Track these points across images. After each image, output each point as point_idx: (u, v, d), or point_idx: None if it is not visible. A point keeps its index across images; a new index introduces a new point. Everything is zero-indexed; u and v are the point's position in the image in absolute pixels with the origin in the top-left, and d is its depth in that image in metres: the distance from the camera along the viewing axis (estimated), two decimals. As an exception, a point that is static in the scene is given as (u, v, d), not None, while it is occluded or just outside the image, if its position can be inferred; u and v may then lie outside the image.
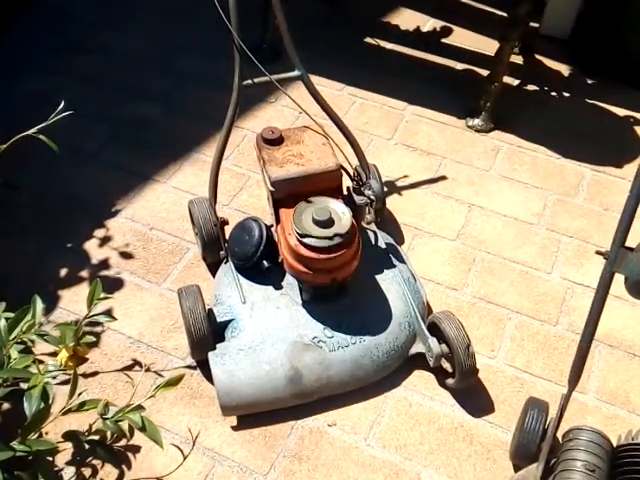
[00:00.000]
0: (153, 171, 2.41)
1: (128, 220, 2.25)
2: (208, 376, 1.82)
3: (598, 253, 1.45)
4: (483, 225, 2.27)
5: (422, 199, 2.35)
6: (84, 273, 2.09)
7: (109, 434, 1.55)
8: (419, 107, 2.68)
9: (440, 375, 1.86)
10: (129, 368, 1.87)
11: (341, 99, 2.72)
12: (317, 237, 1.68)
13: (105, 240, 2.18)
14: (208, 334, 1.78)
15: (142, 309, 2.01)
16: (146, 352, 1.91)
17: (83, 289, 2.05)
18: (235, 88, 1.88)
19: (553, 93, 2.77)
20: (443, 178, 2.42)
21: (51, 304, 1.99)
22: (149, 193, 2.34)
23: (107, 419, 1.33)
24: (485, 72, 2.69)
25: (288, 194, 1.80)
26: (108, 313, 1.39)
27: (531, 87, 2.80)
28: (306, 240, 1.69)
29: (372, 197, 1.89)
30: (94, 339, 1.57)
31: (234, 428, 1.76)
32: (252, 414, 1.77)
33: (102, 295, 1.45)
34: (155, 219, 2.26)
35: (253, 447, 1.73)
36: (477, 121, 2.59)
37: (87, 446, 1.40)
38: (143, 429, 1.32)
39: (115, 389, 1.82)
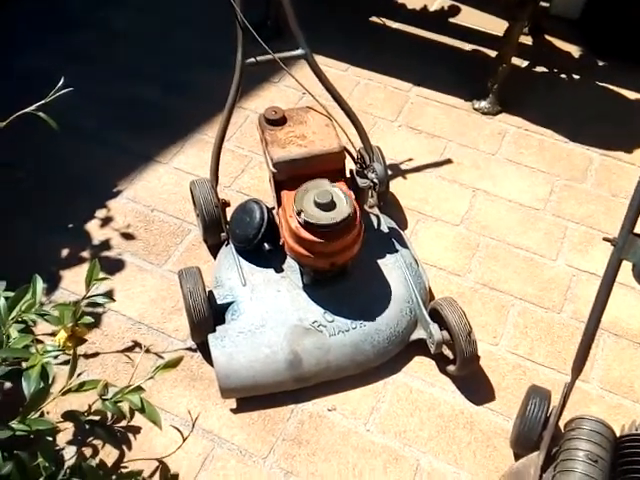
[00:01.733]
0: (154, 152, 2.38)
1: (129, 201, 2.23)
2: (208, 358, 1.81)
3: (606, 240, 1.42)
4: (488, 210, 2.24)
5: (426, 183, 2.32)
6: (85, 254, 2.07)
7: (109, 415, 1.54)
8: (425, 89, 2.64)
9: (441, 362, 1.84)
10: (129, 349, 1.86)
11: (345, 79, 2.67)
12: (318, 220, 1.66)
13: (106, 221, 2.17)
14: (208, 316, 1.76)
15: (143, 290, 2.00)
16: (147, 334, 1.90)
17: (84, 270, 1.98)
18: (237, 67, 1.84)
19: (562, 75, 2.72)
20: (448, 162, 2.38)
21: (52, 284, 1.98)
22: (150, 174, 2.32)
23: (106, 400, 1.32)
24: (493, 53, 2.64)
25: (290, 176, 1.77)
26: (107, 294, 1.38)
27: (540, 69, 2.75)
28: (307, 223, 1.66)
29: (375, 180, 1.86)
30: (92, 320, 1.56)
31: (233, 411, 1.76)
32: (252, 397, 1.76)
33: (101, 276, 1.43)
34: (157, 200, 2.24)
35: (252, 430, 1.72)
36: (484, 103, 2.55)
37: (87, 426, 1.39)
38: (142, 410, 1.32)
39: (115, 370, 1.82)
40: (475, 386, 1.81)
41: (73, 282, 2.00)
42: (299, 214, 1.66)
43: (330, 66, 2.68)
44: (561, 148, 2.44)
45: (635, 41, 2.70)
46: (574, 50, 2.84)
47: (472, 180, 2.32)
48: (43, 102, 1.52)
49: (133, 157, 2.36)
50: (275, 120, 1.82)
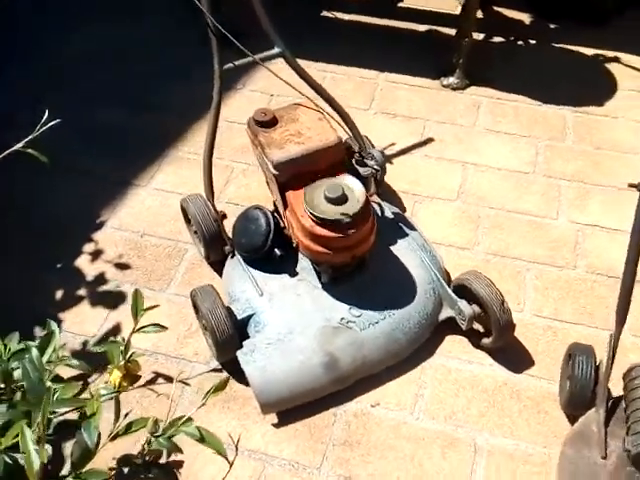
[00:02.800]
0: (132, 175, 2.28)
1: (116, 230, 2.12)
2: (237, 377, 1.73)
3: (631, 186, 1.42)
4: (480, 181, 2.23)
5: (414, 164, 2.29)
6: (81, 292, 1.95)
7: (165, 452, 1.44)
8: (391, 74, 2.62)
9: (473, 337, 1.82)
10: (152, 382, 1.76)
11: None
12: (333, 215, 1.61)
13: (96, 254, 2.05)
14: (233, 333, 1.68)
15: (149, 319, 1.89)
16: (165, 362, 1.80)
17: (83, 309, 1.92)
18: (216, 74, 1.78)
19: (519, 42, 2.76)
20: (430, 140, 2.37)
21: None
22: (132, 199, 2.21)
23: (159, 436, 1.23)
24: (449, 30, 2.66)
25: (292, 175, 1.71)
26: (157, 324, 1.27)
27: (497, 39, 2.78)
28: (322, 219, 1.61)
29: (376, 167, 1.83)
30: (144, 354, 1.45)
31: (276, 425, 1.68)
32: (291, 408, 1.69)
33: (145, 305, 1.31)
34: (144, 224, 2.13)
35: (300, 441, 1.65)
36: (452, 79, 2.55)
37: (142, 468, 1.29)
38: (202, 440, 1.23)
39: (142, 406, 1.71)
40: (511, 355, 1.79)
41: (75, 323, 1.88)
42: (316, 217, 1.59)
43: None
44: (535, 111, 2.47)
45: (579, 0, 2.77)
46: (524, 17, 2.89)
47: (458, 154, 2.32)
48: (31, 137, 1.40)
49: (111, 184, 2.24)
50: (266, 121, 1.75)
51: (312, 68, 2.65)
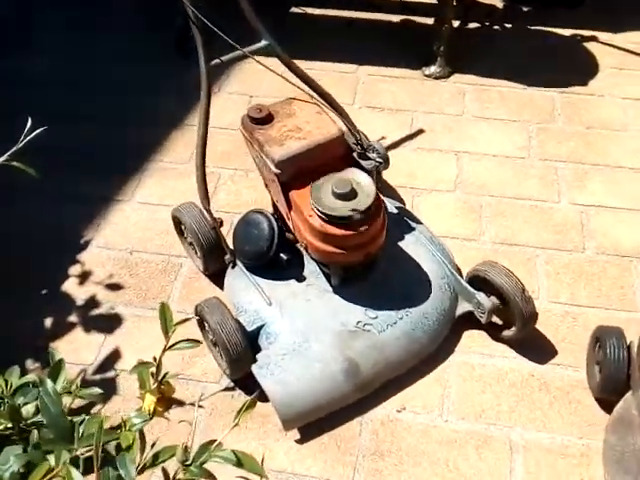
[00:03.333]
0: (113, 191, 2.14)
1: (102, 249, 1.98)
2: (251, 394, 1.61)
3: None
4: (476, 170, 2.17)
5: (407, 157, 2.22)
6: (73, 318, 1.81)
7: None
8: (371, 66, 2.55)
9: (491, 330, 1.75)
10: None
11: (287, 74, 2.51)
12: (344, 211, 1.52)
13: (84, 276, 1.91)
14: (246, 347, 1.57)
15: (152, 341, 1.76)
16: (174, 385, 1.67)
17: (77, 336, 1.78)
18: (203, 72, 1.68)
19: (496, 27, 2.72)
20: (420, 132, 2.30)
21: (46, 360, 1.71)
22: (116, 215, 2.08)
23: (190, 464, 1.11)
24: (423, 19, 2.61)
25: (295, 173, 1.62)
26: (190, 339, 1.14)
27: (472, 25, 2.73)
28: (333, 217, 1.52)
29: (378, 159, 1.75)
30: (176, 374, 1.33)
31: (299, 441, 1.58)
32: (313, 422, 1.58)
33: (176, 319, 1.16)
34: (132, 241, 2.00)
35: (327, 456, 1.55)
36: (434, 68, 2.49)
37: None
38: (240, 464, 1.11)
39: (153, 435, 1.58)
40: (533, 346, 1.73)
41: (70, 352, 1.73)
42: (326, 215, 1.51)
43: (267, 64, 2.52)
44: (521, 95, 2.42)
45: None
46: (496, 2, 2.85)
47: (450, 144, 2.25)
48: (15, 148, 1.27)
49: (92, 202, 2.10)
50: (262, 118, 1.65)
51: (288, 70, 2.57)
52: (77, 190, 2.14)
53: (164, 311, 1.07)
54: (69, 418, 1.02)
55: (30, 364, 1.70)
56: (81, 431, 0.98)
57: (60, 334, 1.77)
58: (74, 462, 0.97)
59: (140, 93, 2.49)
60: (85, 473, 1.04)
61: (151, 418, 1.05)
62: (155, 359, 1.07)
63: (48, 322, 1.80)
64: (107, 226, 2.04)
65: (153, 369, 1.08)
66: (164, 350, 1.07)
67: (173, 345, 1.08)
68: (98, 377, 1.69)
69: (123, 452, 0.97)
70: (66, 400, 1.20)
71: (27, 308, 1.82)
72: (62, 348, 1.74)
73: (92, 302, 1.85)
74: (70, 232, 2.02)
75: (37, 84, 2.54)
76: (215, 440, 1.22)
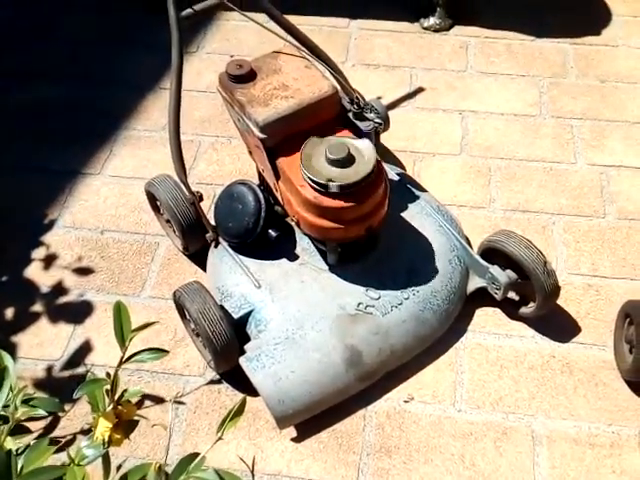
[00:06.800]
0: (81, 163, 1.93)
1: (69, 229, 1.78)
2: (240, 387, 1.44)
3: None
4: (483, 130, 1.97)
5: (407, 118, 2.01)
6: (37, 307, 1.62)
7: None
8: (364, 20, 2.32)
9: (506, 307, 1.57)
10: (139, 407, 1.45)
11: (271, 25, 2.30)
12: (341, 180, 1.32)
13: (49, 260, 1.71)
14: (232, 337, 1.38)
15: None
16: (152, 380, 1.49)
17: (42, 328, 1.59)
18: (173, 24, 1.47)
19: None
20: (420, 90, 2.09)
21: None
22: (85, 190, 1.87)
23: (166, 488, 0.93)
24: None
25: (283, 137, 1.41)
26: (157, 349, 0.93)
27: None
28: (328, 187, 1.32)
29: (377, 120, 1.54)
30: (139, 389, 1.14)
31: (296, 439, 1.40)
32: (310, 418, 1.41)
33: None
34: (103, 219, 1.80)
35: (328, 455, 1.38)
36: (433, 20, 2.27)
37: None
38: (221, 485, 0.93)
39: (133, 442, 1.40)
40: (553, 323, 1.55)
41: (34, 347, 1.55)
42: (320, 185, 1.31)
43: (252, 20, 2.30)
44: (530, 47, 2.21)
45: None
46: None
47: (454, 103, 2.05)
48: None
49: (56, 176, 1.89)
50: (243, 75, 1.44)
51: (271, 23, 2.34)
52: (39, 161, 1.93)
53: (119, 314, 0.86)
54: (6, 448, 0.83)
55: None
56: (20, 466, 0.79)
57: (23, 326, 1.57)
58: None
59: (113, 47, 2.26)
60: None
61: (106, 448, 0.85)
62: (109, 375, 0.87)
63: (9, 313, 1.60)
64: (75, 203, 1.83)
65: (107, 386, 0.87)
66: (119, 364, 0.87)
67: (132, 356, 0.88)
68: (67, 374, 1.50)
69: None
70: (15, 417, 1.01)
71: (-16, 298, 1.63)
72: (25, 342, 1.55)
73: (59, 289, 1.65)
74: (32, 211, 1.81)
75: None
76: (197, 454, 1.04)
